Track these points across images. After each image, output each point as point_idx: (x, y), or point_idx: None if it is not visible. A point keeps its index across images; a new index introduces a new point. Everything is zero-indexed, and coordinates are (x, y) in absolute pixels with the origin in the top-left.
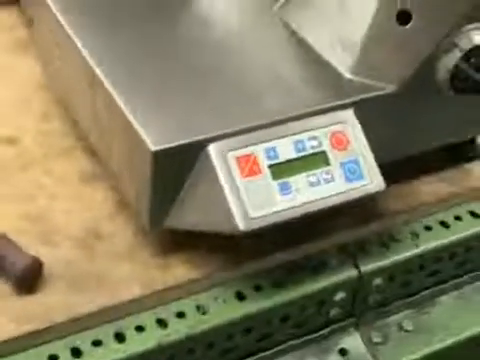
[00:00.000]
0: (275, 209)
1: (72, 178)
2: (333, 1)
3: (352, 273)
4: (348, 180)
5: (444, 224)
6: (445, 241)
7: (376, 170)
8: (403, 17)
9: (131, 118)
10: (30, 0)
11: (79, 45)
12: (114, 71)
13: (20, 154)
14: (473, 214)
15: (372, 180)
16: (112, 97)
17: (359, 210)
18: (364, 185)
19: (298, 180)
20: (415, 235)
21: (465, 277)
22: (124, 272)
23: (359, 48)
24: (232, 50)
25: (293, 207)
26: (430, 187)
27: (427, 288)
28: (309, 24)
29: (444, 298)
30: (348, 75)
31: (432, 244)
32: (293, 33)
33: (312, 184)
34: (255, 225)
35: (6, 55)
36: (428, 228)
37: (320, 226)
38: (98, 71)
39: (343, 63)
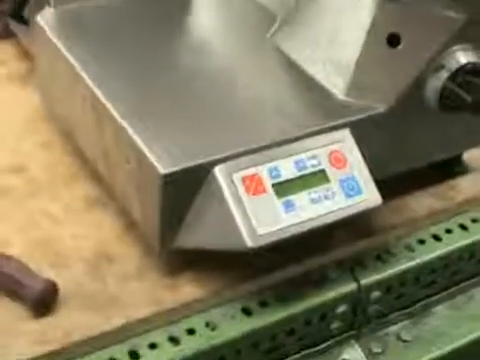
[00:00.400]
0: (281, 226)
1: (78, 204)
2: (325, 26)
3: (352, 286)
4: (347, 196)
5: (436, 237)
6: (438, 253)
7: (373, 186)
8: (393, 40)
9: (139, 143)
10: (29, 33)
11: (83, 75)
12: (119, 99)
13: (26, 182)
14: (462, 227)
15: (370, 195)
16: (119, 124)
17: (355, 225)
18: (363, 200)
19: (301, 197)
20: (410, 248)
21: (458, 286)
22: (135, 292)
23: (352, 70)
24: (230, 76)
25: (297, 223)
26: (421, 202)
27: (422, 299)
28: (302, 49)
29: (439, 308)
30: (342, 96)
31: (426, 257)
32: (287, 58)
33: (314, 201)
34: (262, 242)
35: (4, 88)
36: (421, 241)
37: (318, 242)
38: (104, 99)
39: (336, 85)
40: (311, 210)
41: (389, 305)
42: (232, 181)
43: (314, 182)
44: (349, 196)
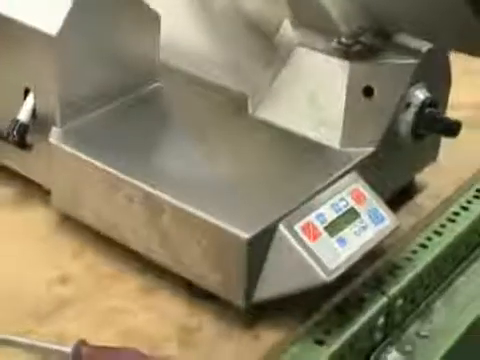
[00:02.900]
0: (343, 258)
1: (136, 293)
2: (304, 92)
3: (384, 300)
4: (376, 224)
5: (423, 245)
6: (431, 257)
7: (389, 211)
8: (368, 92)
9: (212, 220)
10: (23, 156)
11: (126, 177)
12: (169, 189)
13: (80, 288)
14: (438, 233)
15: (390, 220)
16: (184, 210)
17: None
18: (387, 225)
19: (347, 233)
20: (409, 259)
21: (445, 282)
22: (231, 352)
23: (341, 125)
24: (238, 154)
25: (352, 254)
26: (403, 221)
27: (424, 299)
28: (288, 115)
29: (437, 304)
30: (338, 147)
31: (423, 262)
32: (277, 127)
33: (356, 233)
34: (335, 274)
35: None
36: (414, 252)
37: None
38: (159, 193)
39: (330, 140)
40: (357, 241)
41: (406, 310)
42: (295, 232)
43: (350, 219)
44: (377, 224)
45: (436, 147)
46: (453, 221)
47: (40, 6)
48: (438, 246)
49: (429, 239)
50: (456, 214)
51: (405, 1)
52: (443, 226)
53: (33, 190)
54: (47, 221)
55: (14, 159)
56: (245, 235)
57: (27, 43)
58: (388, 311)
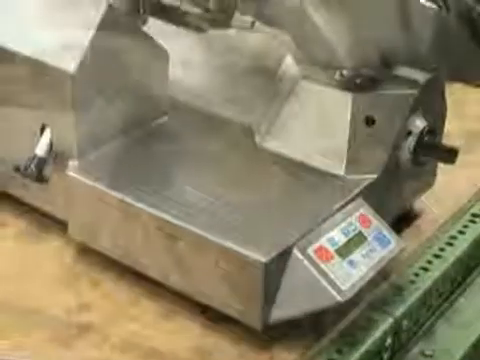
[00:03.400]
0: (354, 280)
1: (154, 317)
2: (309, 123)
3: (390, 321)
4: (382, 247)
5: (424, 268)
6: (432, 280)
7: (394, 234)
8: (369, 121)
9: (229, 245)
10: (38, 189)
11: (142, 206)
12: (185, 217)
13: (100, 315)
14: (437, 256)
15: (396, 242)
16: (200, 236)
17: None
18: (393, 247)
19: (356, 256)
20: (412, 282)
21: (446, 303)
22: None
23: (345, 152)
24: (249, 183)
25: (363, 275)
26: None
27: (427, 319)
28: (294, 145)
29: (439, 323)
30: (343, 174)
31: (426, 284)
32: (284, 157)
33: (364, 256)
34: (348, 295)
35: (19, 247)
36: (416, 274)
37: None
38: (176, 221)
39: (336, 168)
40: (366, 263)
41: (411, 330)
42: (309, 255)
43: (358, 242)
44: (383, 246)
45: (433, 174)
46: (451, 245)
47: (57, 44)
48: (438, 269)
49: (430, 262)
50: (454, 238)
51: (411, 40)
52: (442, 250)
53: (49, 222)
54: (64, 252)
55: (31, 192)
56: (262, 259)
57: (45, 80)
58: (395, 331)
